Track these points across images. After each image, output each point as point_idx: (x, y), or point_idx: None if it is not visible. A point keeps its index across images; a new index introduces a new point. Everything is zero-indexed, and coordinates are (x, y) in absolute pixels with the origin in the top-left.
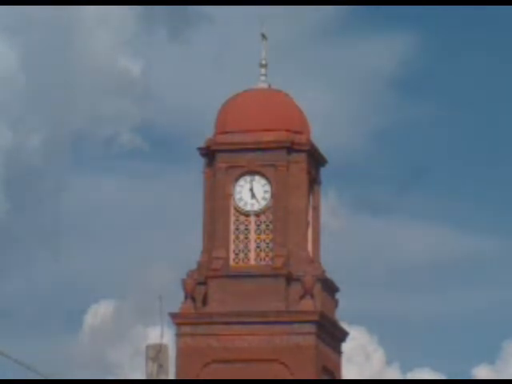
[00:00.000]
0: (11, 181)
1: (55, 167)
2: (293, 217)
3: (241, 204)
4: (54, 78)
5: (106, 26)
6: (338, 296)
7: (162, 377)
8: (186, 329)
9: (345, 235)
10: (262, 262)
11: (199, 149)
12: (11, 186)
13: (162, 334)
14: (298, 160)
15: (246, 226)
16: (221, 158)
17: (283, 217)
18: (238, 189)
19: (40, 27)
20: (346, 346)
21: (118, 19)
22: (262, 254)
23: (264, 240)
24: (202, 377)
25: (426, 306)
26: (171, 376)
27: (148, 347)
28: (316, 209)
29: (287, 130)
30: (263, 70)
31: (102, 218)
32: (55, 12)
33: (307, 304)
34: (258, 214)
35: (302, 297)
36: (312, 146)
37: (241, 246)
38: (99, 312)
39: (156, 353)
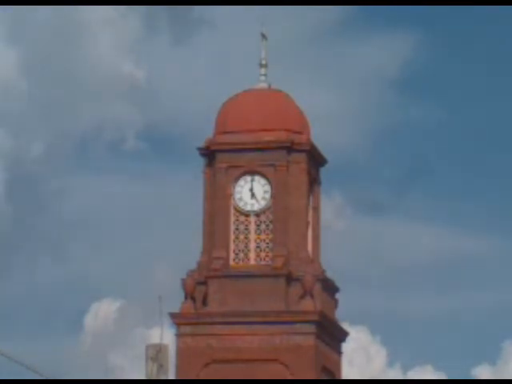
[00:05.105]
0: (14, 184)
1: (58, 171)
2: (293, 217)
3: (241, 204)
4: (56, 83)
5: (109, 31)
6: (337, 296)
7: (162, 377)
8: (186, 329)
9: (345, 235)
10: (262, 262)
11: (199, 149)
12: (14, 189)
13: (161, 334)
14: (298, 160)
15: (246, 226)
16: (221, 157)
17: (283, 217)
18: (237, 189)
19: (43, 32)
20: (347, 346)
21: (121, 24)
22: (262, 254)
23: (264, 240)
24: (202, 377)
25: (426, 305)
26: (171, 376)
27: (148, 347)
28: (316, 209)
29: (287, 130)
30: (263, 70)
31: (103, 219)
32: (58, 17)
33: (307, 304)
34: (258, 214)
35: (301, 297)
36: (312, 146)
37: (241, 246)
38: (100, 313)
39: (156, 353)
